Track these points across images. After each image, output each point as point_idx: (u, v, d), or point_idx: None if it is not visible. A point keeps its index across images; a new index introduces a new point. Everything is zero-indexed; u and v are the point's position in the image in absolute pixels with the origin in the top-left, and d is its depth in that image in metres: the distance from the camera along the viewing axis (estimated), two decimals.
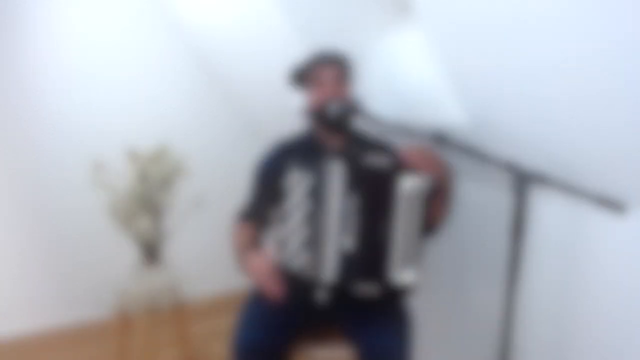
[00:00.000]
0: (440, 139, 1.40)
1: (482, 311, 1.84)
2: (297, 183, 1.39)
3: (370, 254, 1.35)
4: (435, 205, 1.43)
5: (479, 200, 1.83)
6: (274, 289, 1.38)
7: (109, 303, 1.93)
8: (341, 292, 1.39)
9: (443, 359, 2.04)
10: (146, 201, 1.88)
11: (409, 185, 1.36)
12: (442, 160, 1.38)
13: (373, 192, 1.36)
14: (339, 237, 1.33)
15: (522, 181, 1.29)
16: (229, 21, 2.21)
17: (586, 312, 1.50)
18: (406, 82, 1.76)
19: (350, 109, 1.45)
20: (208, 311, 2.88)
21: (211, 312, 2.88)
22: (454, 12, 1.29)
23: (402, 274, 1.35)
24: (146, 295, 1.92)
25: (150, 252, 1.92)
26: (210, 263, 3.04)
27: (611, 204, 1.33)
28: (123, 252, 2.32)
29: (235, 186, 2.45)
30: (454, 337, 1.98)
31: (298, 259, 1.38)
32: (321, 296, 1.34)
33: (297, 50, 1.94)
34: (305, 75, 1.55)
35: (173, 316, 2.27)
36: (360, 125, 1.69)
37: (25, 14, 2.32)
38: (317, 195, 1.38)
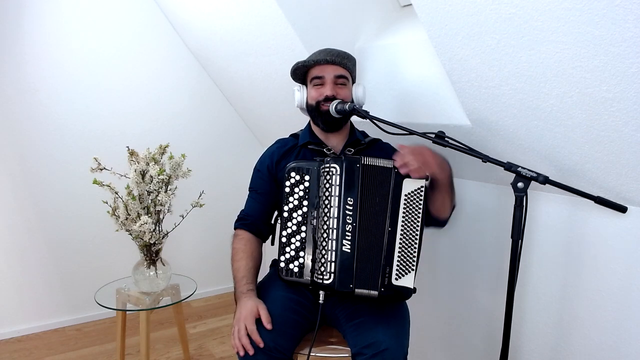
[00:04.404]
0: (441, 139, 1.40)
1: (483, 311, 1.84)
2: (295, 184, 1.39)
3: (369, 256, 1.34)
4: (440, 200, 1.43)
5: (479, 200, 1.83)
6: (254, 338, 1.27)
7: (109, 303, 1.93)
8: (341, 295, 1.39)
9: (443, 359, 2.04)
10: (146, 201, 1.88)
11: (410, 186, 1.36)
12: (437, 155, 1.37)
13: (373, 193, 1.36)
14: (338, 240, 1.33)
15: (522, 181, 1.29)
16: (230, 22, 2.21)
17: (586, 312, 1.50)
18: (406, 82, 1.76)
19: (350, 109, 1.45)
20: (208, 311, 2.89)
21: (211, 312, 2.88)
22: (453, 11, 1.29)
23: (402, 277, 1.35)
24: (146, 295, 1.92)
25: (150, 252, 1.92)
26: (210, 263, 3.04)
27: (611, 204, 1.33)
28: (123, 252, 2.33)
29: (235, 186, 2.47)
30: (454, 337, 1.98)
31: (298, 262, 1.38)
32: (321, 298, 1.34)
33: (298, 50, 1.94)
34: (306, 74, 1.54)
35: (173, 316, 2.27)
36: (359, 125, 1.69)
37: (30, 19, 2.33)
38: (315, 197, 1.38)
